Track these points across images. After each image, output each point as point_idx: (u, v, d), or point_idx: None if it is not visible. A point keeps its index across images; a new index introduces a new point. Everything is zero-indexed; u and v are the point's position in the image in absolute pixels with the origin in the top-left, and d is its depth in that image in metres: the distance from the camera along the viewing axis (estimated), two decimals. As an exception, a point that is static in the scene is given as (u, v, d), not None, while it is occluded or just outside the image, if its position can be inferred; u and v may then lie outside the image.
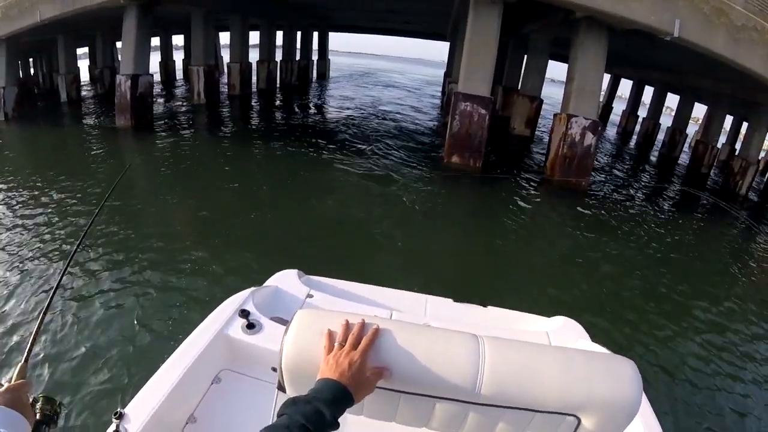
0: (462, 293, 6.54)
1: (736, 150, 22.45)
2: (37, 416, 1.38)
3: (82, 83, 24.57)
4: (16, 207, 9.21)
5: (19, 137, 16.83)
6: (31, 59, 27.87)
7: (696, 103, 25.03)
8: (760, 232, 13.19)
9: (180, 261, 7.11)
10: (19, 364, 1.48)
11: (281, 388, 1.37)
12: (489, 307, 3.13)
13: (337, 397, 1.19)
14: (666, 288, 8.26)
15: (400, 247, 8.58)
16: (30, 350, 1.57)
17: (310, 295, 2.99)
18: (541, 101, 20.94)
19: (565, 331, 2.92)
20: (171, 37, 33.20)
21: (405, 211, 10.60)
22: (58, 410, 1.46)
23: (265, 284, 3.11)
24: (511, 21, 13.71)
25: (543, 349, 1.38)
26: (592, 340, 2.83)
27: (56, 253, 7.25)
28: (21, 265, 6.89)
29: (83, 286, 6.21)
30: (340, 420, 1.15)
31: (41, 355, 4.80)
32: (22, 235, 7.98)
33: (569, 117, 13.38)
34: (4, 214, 8.85)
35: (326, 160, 14.03)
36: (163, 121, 18.35)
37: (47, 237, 7.85)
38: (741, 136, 22.97)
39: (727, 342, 6.82)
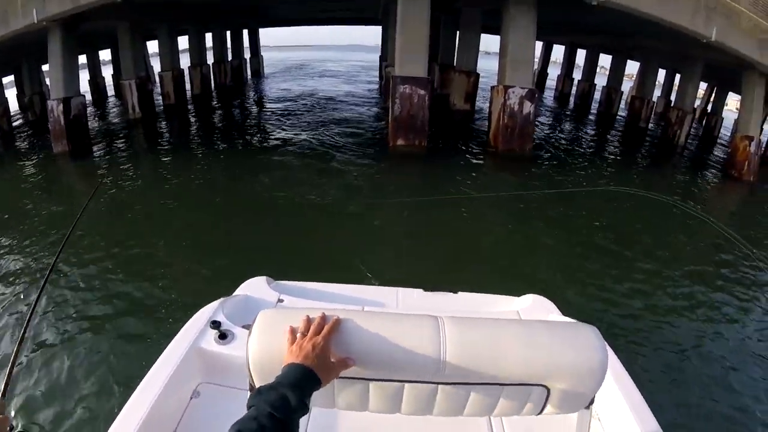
0: (426, 274, 6.74)
1: (671, 102, 23.26)
2: None
3: (12, 113, 23.70)
4: None
5: None
6: None
7: (629, 60, 25.71)
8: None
9: (150, 279, 7.10)
10: None
11: (252, 389, 1.36)
12: (459, 293, 3.15)
13: (302, 379, 1.20)
14: (608, 243, 8.59)
15: (361, 235, 8.64)
16: (6, 385, 1.58)
17: (280, 300, 2.99)
18: (478, 75, 21.12)
19: (535, 308, 2.95)
20: (98, 53, 32.22)
21: (358, 196, 10.73)
22: None
23: (234, 293, 3.09)
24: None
25: (503, 323, 1.39)
26: (564, 315, 2.87)
27: (23, 289, 7.11)
28: None
29: (53, 321, 6.06)
30: (318, 415, 1.21)
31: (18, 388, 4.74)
32: None
33: (506, 88, 13.69)
34: None
35: (273, 158, 13.99)
36: (101, 142, 17.77)
37: (11, 276, 7.66)
38: (675, 88, 23.67)
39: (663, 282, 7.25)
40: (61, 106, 15.72)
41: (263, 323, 1.36)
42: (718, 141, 22.04)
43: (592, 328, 1.36)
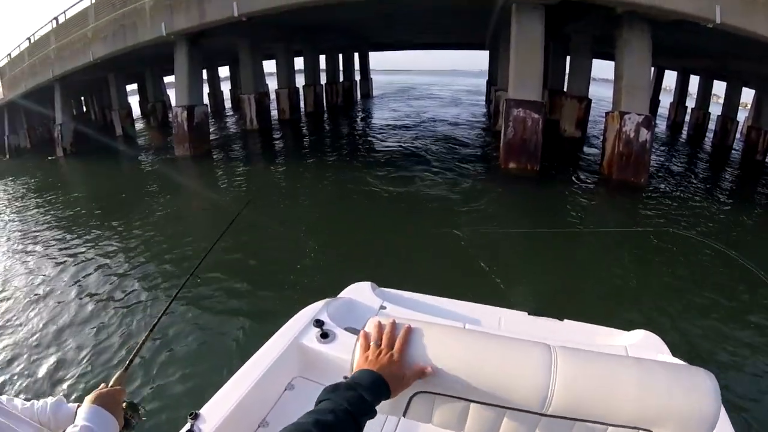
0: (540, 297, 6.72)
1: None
2: (124, 419, 1.56)
3: (134, 118, 25.69)
4: (128, 241, 9.84)
5: (80, 171, 17.82)
6: (82, 98, 29.17)
7: (744, 87, 24.42)
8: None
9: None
10: (119, 372, 1.66)
11: None
12: (565, 321, 3.05)
13: (376, 386, 1.24)
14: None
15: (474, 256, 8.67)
16: (131, 361, 1.74)
17: (383, 307, 3.01)
18: (590, 101, 20.91)
19: (644, 346, 2.81)
20: (217, 69, 34.29)
21: (473, 219, 10.76)
22: (139, 419, 1.68)
23: (339, 296, 3.16)
24: (552, 23, 13.86)
25: (617, 359, 1.34)
26: (673, 355, 2.73)
27: (167, 281, 7.86)
28: (136, 288, 7.60)
29: (189, 312, 6.65)
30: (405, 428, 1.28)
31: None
32: (132, 264, 8.61)
33: (622, 114, 13.42)
34: (117, 244, 9.60)
35: (386, 177, 14.31)
36: (220, 149, 19.10)
37: (151, 268, 8.45)
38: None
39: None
40: (185, 113, 17.12)
41: (372, 328, 1.39)
42: None
43: (709, 375, 1.27)
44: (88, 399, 1.48)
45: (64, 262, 8.89)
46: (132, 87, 29.27)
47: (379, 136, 21.75)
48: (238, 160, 17.46)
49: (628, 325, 2.99)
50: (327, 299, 2.95)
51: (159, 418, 4.45)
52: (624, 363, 1.32)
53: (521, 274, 7.92)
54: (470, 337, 1.38)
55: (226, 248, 8.54)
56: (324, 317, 2.71)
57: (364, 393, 1.21)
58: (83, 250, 9.42)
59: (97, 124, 28.21)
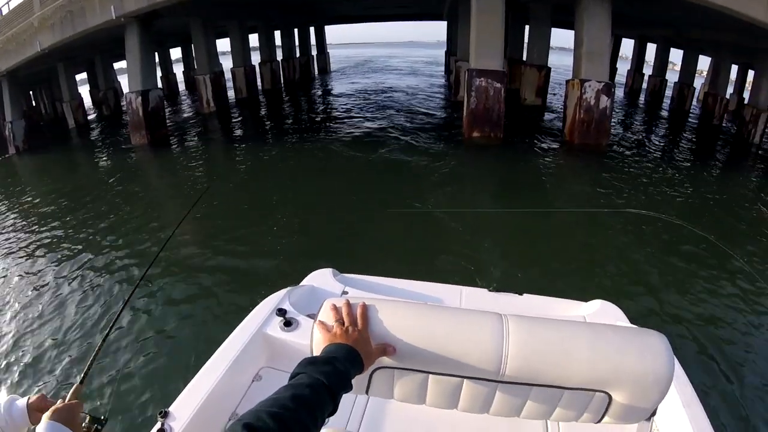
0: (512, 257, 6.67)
1: (744, 99, 22.40)
2: None
3: (86, 108, 24.85)
4: (71, 242, 9.24)
5: (36, 168, 16.87)
6: (30, 92, 28.04)
7: (700, 55, 24.95)
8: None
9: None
10: (75, 385, 1.62)
11: None
12: (525, 295, 3.11)
13: (351, 358, 1.24)
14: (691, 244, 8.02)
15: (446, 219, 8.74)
16: (87, 373, 1.71)
17: (345, 292, 3.04)
18: (549, 69, 21.02)
19: (602, 315, 2.88)
20: (169, 51, 33.35)
21: (439, 184, 10.82)
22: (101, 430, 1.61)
23: (301, 284, 3.19)
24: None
25: (569, 324, 1.36)
26: (631, 323, 2.75)
27: (122, 280, 7.42)
28: (87, 288, 7.17)
29: (145, 313, 6.36)
30: (375, 405, 1.26)
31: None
32: (88, 262, 8.13)
33: (582, 81, 13.58)
34: (55, 248, 8.96)
35: (351, 148, 14.25)
36: (178, 134, 18.55)
37: (113, 263, 8.02)
38: (748, 85, 22.82)
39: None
40: (139, 99, 16.48)
41: (329, 311, 1.38)
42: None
43: (661, 336, 1.30)
44: (45, 416, 1.45)
45: (18, 263, 8.44)
46: (81, 76, 28.17)
47: (340, 110, 21.52)
48: (197, 145, 16.95)
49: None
50: (288, 288, 2.96)
51: (129, 418, 4.35)
52: (575, 328, 1.34)
53: (491, 250, 7.79)
54: (423, 311, 1.38)
55: (186, 238, 8.35)
56: (286, 305, 2.72)
57: (340, 366, 1.19)
58: (39, 248, 8.94)
59: (48, 118, 27.22)
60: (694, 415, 2.05)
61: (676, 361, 1.96)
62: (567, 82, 14.44)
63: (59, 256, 8.40)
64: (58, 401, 1.52)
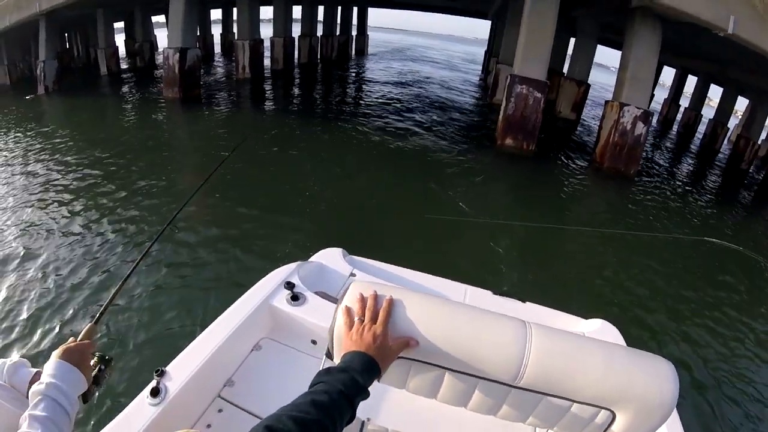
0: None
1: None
2: (93, 375, 1.50)
3: (119, 57, 24.81)
4: (101, 181, 9.38)
5: (64, 110, 16.78)
6: (65, 34, 27.97)
7: (739, 96, 24.68)
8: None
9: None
10: (89, 325, 1.59)
11: (329, 355, 1.40)
12: (527, 303, 3.13)
13: (367, 367, 1.26)
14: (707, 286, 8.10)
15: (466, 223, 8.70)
16: (102, 313, 1.68)
17: (353, 274, 3.07)
18: (588, 86, 20.90)
19: (601, 334, 2.90)
20: (209, 12, 33.18)
21: (465, 189, 10.76)
22: (109, 372, 1.58)
23: (310, 259, 3.21)
24: (564, 3, 13.68)
25: (587, 341, 1.38)
26: (628, 345, 2.72)
27: (150, 225, 7.57)
28: (116, 231, 7.30)
29: (165, 262, 6.45)
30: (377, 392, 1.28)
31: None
32: (114, 206, 8.23)
33: (621, 105, 13.43)
34: (85, 193, 8.91)
35: (379, 134, 14.25)
36: (210, 94, 18.55)
37: (139, 211, 8.10)
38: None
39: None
40: (177, 56, 16.50)
41: (355, 294, 1.38)
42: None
43: (669, 363, 1.34)
44: (55, 354, 1.42)
45: (44, 201, 8.41)
46: (118, 25, 28.02)
47: (373, 95, 21.43)
48: (228, 107, 16.93)
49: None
50: (298, 262, 2.98)
51: (126, 372, 4.37)
52: (592, 345, 1.37)
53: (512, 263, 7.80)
54: (450, 307, 1.39)
55: (211, 194, 8.41)
56: (295, 280, 2.74)
57: (357, 375, 1.23)
58: (64, 190, 8.90)
59: (81, 62, 27.10)
60: None
61: None
62: (606, 102, 14.30)
63: (88, 202, 8.40)
64: (70, 339, 1.50)
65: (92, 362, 1.52)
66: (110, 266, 6.35)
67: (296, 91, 21.90)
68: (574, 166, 14.31)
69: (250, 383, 2.30)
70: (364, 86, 24.01)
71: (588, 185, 12.99)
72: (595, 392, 1.28)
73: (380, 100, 19.87)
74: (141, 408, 1.87)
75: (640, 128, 13.48)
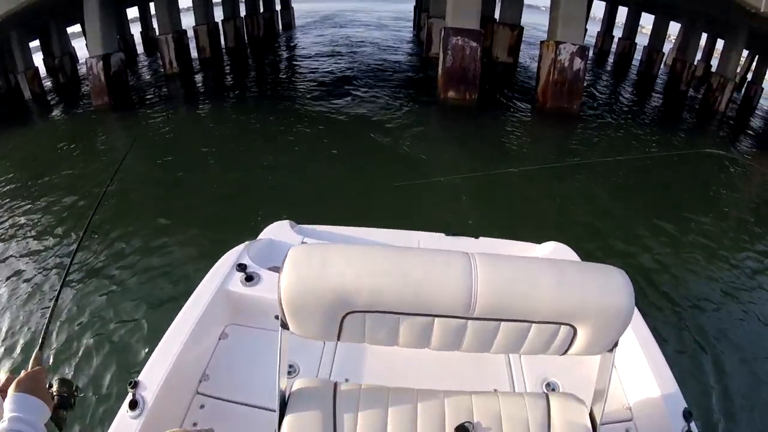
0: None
1: (711, 67, 22.89)
2: (55, 400, 1.49)
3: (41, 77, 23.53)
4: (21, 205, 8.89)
5: None
6: None
7: (671, 21, 25.04)
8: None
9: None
10: (35, 351, 1.59)
11: (284, 325, 1.39)
12: (480, 238, 3.22)
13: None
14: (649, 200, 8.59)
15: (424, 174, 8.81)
16: (44, 337, 1.68)
17: (304, 242, 3.03)
18: (522, 29, 21.02)
19: (556, 255, 2.98)
20: (125, 12, 31.87)
21: (416, 147, 10.76)
22: (75, 393, 1.58)
23: (258, 237, 3.20)
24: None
25: (533, 261, 1.38)
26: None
27: (61, 246, 7.21)
28: (28, 260, 6.92)
29: (91, 272, 6.26)
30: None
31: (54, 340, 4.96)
32: (29, 224, 7.96)
33: (557, 44, 13.50)
34: (8, 207, 8.69)
35: (322, 106, 14.06)
36: (142, 96, 17.75)
37: (55, 223, 7.84)
38: (716, 54, 23.13)
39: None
40: (100, 63, 15.54)
41: (294, 259, 1.34)
42: (757, 111, 21.42)
43: (621, 272, 1.34)
44: (10, 389, 1.41)
45: None
46: (34, 43, 26.56)
47: (308, 68, 21.00)
48: (162, 106, 16.24)
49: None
50: (246, 242, 2.96)
51: (98, 394, 4.25)
52: (540, 264, 1.36)
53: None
54: (391, 253, 1.37)
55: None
56: (246, 260, 2.75)
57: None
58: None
59: (1, 91, 25.76)
60: (649, 349, 2.22)
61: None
62: (541, 43, 14.35)
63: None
64: (21, 372, 1.49)
65: (54, 387, 1.53)
66: (38, 289, 6.09)
67: (228, 78, 21.26)
68: (518, 109, 14.44)
69: (224, 373, 2.29)
70: (298, 62, 23.50)
71: (535, 126, 13.21)
72: (549, 310, 1.28)
73: (318, 73, 19.44)
74: (123, 423, 1.85)
75: (578, 63, 13.60)
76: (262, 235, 3.23)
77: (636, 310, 2.20)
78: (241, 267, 2.64)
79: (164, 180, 9.38)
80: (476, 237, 3.20)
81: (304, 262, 1.33)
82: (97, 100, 15.96)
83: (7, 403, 1.36)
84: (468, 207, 7.91)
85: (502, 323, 1.31)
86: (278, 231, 3.25)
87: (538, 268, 1.33)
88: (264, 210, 7.51)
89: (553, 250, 3.09)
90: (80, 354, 4.76)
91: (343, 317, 1.33)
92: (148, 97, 17.75)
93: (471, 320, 1.31)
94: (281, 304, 1.32)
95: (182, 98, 17.88)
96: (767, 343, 5.44)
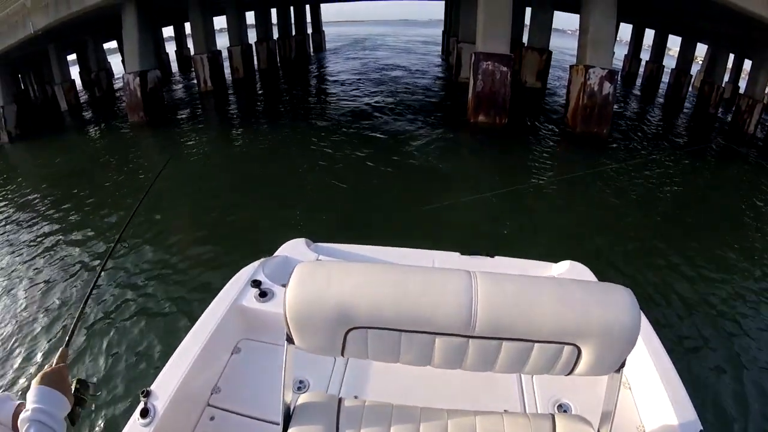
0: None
1: (739, 88, 22.60)
2: (74, 396, 1.55)
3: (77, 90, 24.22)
4: (57, 211, 9.52)
5: (32, 154, 16.24)
6: (19, 75, 27.12)
7: (698, 43, 25.06)
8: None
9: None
10: (61, 349, 1.65)
11: (290, 340, 1.41)
12: (496, 258, 3.17)
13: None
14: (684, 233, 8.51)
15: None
16: (71, 336, 1.75)
17: (318, 260, 2.98)
18: (550, 53, 21.09)
19: (572, 274, 2.97)
20: (161, 31, 32.69)
21: (447, 170, 10.99)
22: (92, 393, 1.65)
23: (274, 254, 3.22)
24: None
25: (536, 280, 1.37)
26: (600, 281, 2.86)
27: (96, 251, 7.68)
28: (63, 261, 7.45)
29: (121, 278, 6.62)
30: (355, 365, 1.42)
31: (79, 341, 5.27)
32: (65, 232, 8.46)
33: (586, 68, 13.56)
34: (45, 216, 9.25)
35: (353, 130, 14.25)
36: (177, 113, 18.31)
37: (90, 233, 8.34)
38: (744, 74, 22.99)
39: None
40: (137, 79, 16.16)
41: (300, 274, 1.38)
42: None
43: (626, 290, 1.34)
44: (35, 381, 1.47)
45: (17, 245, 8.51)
46: (71, 57, 27.29)
47: (339, 90, 21.32)
48: (196, 123, 16.78)
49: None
50: (262, 259, 3.00)
51: (111, 399, 4.44)
52: (542, 282, 1.36)
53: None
54: (393, 270, 1.40)
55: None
56: (261, 277, 2.78)
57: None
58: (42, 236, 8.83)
59: (38, 102, 26.27)
60: (662, 367, 2.16)
61: (643, 317, 2.13)
62: (571, 67, 14.49)
63: (47, 237, 8.53)
64: (45, 366, 1.55)
65: (73, 384, 1.57)
66: (69, 290, 6.54)
67: (261, 98, 21.59)
68: (548, 134, 14.52)
69: (236, 386, 2.34)
70: (329, 83, 23.85)
71: (564, 151, 13.24)
72: (552, 329, 1.28)
73: (348, 95, 19.77)
74: (134, 431, 1.90)
75: (607, 88, 13.63)
76: (278, 252, 3.25)
77: (650, 327, 2.37)
78: (256, 283, 2.69)
79: (197, 195, 9.82)
80: (492, 256, 3.17)
81: (309, 278, 1.36)
82: (133, 115, 16.55)
83: (32, 395, 1.43)
84: (496, 224, 8.15)
85: (504, 342, 1.32)
86: (294, 249, 3.27)
87: (541, 286, 1.34)
88: (296, 225, 7.92)
89: (569, 269, 3.06)
90: (99, 356, 5.06)
91: (347, 333, 1.36)
92: (183, 113, 18.34)
93: (472, 338, 1.33)
94: (286, 318, 1.35)
95: (216, 116, 18.39)
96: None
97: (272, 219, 8.41)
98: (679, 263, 7.21)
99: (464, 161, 11.78)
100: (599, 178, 10.66)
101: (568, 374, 1.39)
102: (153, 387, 2.04)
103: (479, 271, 1.37)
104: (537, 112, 17.09)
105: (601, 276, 2.92)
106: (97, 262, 7.25)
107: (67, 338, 1.72)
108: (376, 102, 17.89)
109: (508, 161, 12.15)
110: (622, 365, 1.37)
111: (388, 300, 1.31)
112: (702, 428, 1.87)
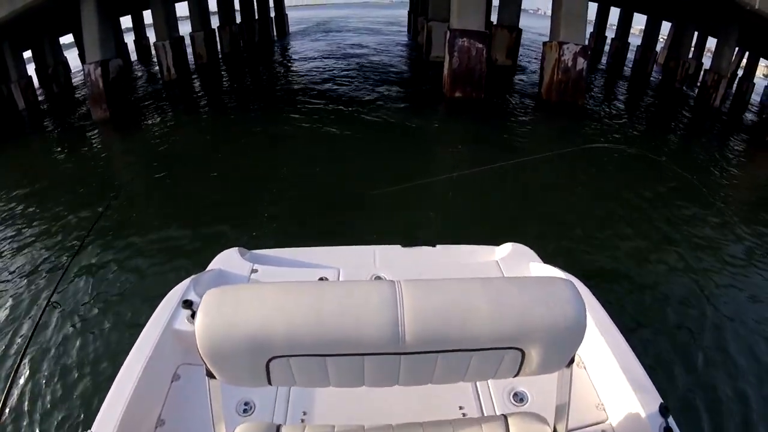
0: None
1: (702, 65, 23.20)
2: None
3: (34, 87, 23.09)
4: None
5: None
6: None
7: (663, 21, 25.38)
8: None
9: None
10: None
11: (209, 374, 1.33)
12: (438, 246, 3.10)
13: None
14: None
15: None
16: (7, 395, 1.68)
17: (254, 270, 2.94)
18: (520, 31, 21.24)
19: (515, 257, 2.92)
20: (119, 20, 31.75)
21: (430, 142, 11.12)
22: None
23: (207, 269, 3.00)
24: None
25: (468, 283, 1.28)
26: (544, 262, 2.84)
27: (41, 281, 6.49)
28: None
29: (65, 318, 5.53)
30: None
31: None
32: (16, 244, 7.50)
33: (560, 44, 13.73)
34: None
35: (324, 109, 14.13)
36: (141, 103, 17.56)
37: (48, 241, 7.44)
38: (707, 51, 23.88)
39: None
40: (99, 70, 15.25)
41: (207, 305, 1.26)
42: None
43: (568, 282, 1.27)
44: None
45: None
46: (26, 54, 26.13)
47: (307, 71, 21.10)
48: (164, 113, 16.11)
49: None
50: (192, 276, 2.78)
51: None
52: (474, 287, 1.26)
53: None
54: (306, 290, 1.28)
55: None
56: (191, 296, 2.56)
57: None
58: None
59: None
60: (617, 347, 2.12)
61: (594, 299, 2.23)
62: (544, 44, 14.63)
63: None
64: None
65: None
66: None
67: (227, 83, 21.23)
68: (525, 106, 14.76)
69: (180, 415, 2.18)
70: (295, 66, 23.52)
71: (541, 119, 13.60)
72: (490, 336, 1.20)
73: (318, 78, 19.47)
74: None
75: (581, 63, 13.90)
76: (211, 266, 3.04)
77: (599, 306, 2.32)
78: (187, 303, 2.41)
79: (165, 189, 9.33)
80: (433, 245, 3.08)
81: (216, 308, 1.24)
82: (96, 110, 15.61)
83: None
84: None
85: (439, 355, 1.24)
86: (227, 260, 3.06)
87: (474, 291, 1.24)
88: (269, 212, 7.60)
89: (512, 251, 2.99)
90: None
91: (268, 362, 1.26)
92: (148, 104, 17.58)
93: (403, 355, 1.23)
94: (200, 353, 1.24)
95: (184, 106, 17.59)
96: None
97: (241, 205, 8.09)
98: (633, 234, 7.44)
99: (447, 132, 11.92)
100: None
101: (515, 376, 1.33)
102: (94, 427, 1.89)
103: (404, 280, 1.26)
104: (510, 87, 17.31)
105: (547, 258, 2.95)
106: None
107: (2, 397, 1.63)
108: (348, 86, 17.60)
109: (488, 130, 12.34)
110: (572, 361, 1.33)
111: (305, 324, 1.21)
112: (662, 401, 1.82)
